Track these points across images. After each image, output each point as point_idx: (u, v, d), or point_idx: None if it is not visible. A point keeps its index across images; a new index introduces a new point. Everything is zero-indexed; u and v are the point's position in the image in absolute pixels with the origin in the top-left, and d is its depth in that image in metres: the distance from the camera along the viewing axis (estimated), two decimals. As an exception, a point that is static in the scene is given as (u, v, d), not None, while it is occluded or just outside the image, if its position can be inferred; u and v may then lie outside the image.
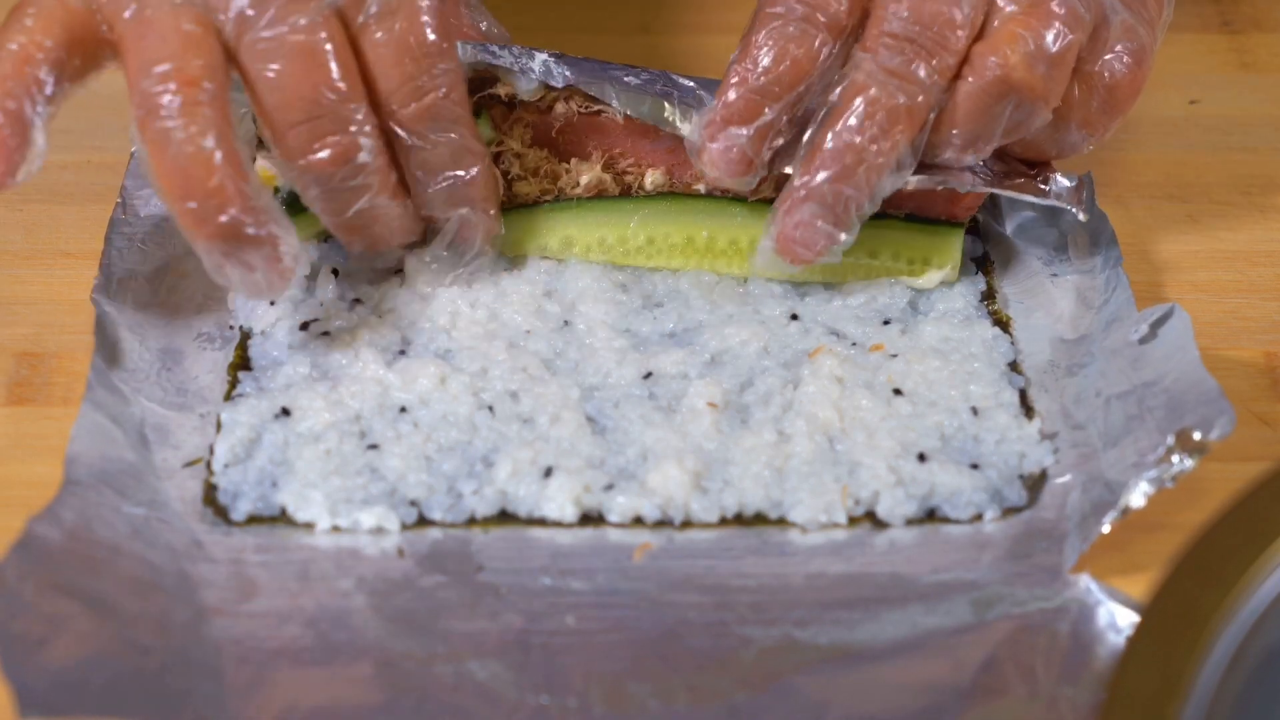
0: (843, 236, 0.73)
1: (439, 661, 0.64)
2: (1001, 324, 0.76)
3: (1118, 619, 0.65)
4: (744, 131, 0.73)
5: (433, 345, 0.75)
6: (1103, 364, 0.73)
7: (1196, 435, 0.66)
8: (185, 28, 0.69)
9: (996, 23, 0.73)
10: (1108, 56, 0.74)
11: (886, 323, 0.76)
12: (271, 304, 0.76)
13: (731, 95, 0.72)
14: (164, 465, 0.70)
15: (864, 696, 0.63)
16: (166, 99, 0.68)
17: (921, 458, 0.71)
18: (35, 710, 0.60)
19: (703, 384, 0.73)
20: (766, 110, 0.72)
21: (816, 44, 0.72)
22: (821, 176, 0.72)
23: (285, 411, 0.72)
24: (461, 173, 0.74)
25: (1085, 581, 0.66)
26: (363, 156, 0.71)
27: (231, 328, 0.76)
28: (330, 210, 0.73)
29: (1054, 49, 0.72)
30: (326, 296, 0.76)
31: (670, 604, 0.66)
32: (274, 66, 0.70)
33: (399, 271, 0.77)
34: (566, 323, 0.76)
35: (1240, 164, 0.85)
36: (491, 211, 0.75)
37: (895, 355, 0.74)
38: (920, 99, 0.72)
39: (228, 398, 0.73)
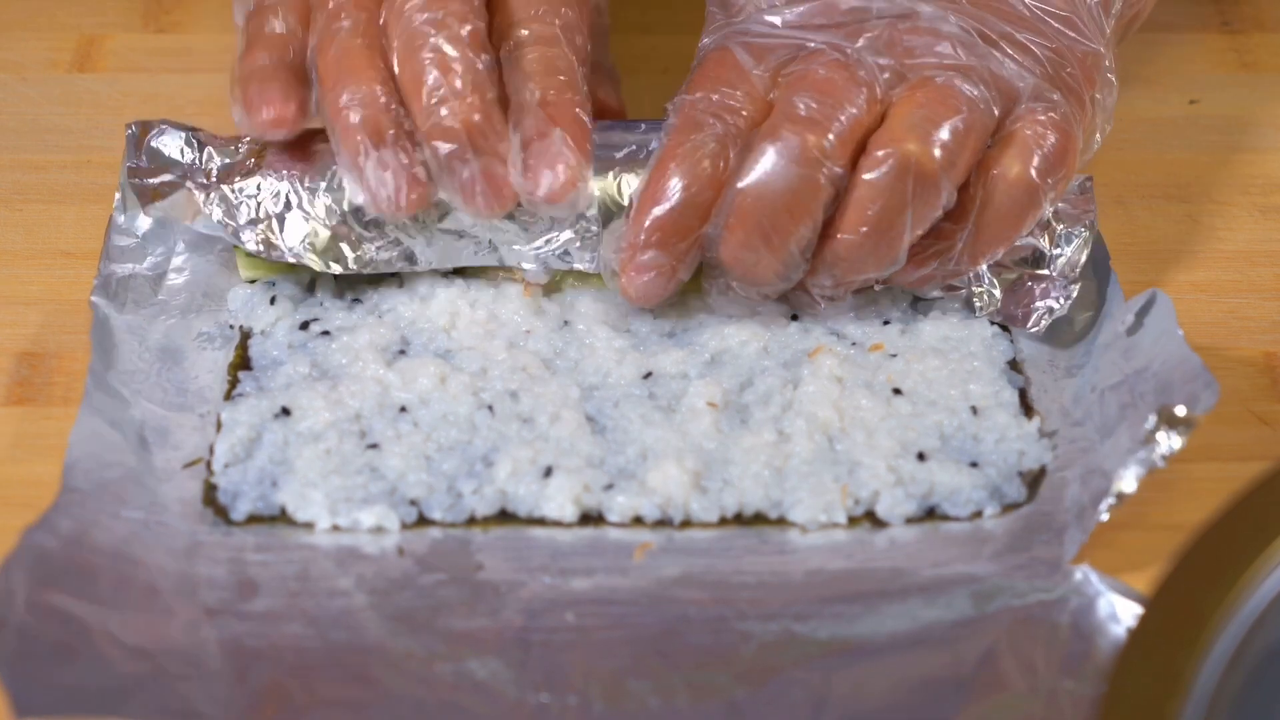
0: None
1: (439, 660, 0.64)
2: (1001, 324, 0.76)
3: (1118, 610, 0.65)
4: (663, 258, 0.72)
5: (432, 345, 0.75)
6: (1097, 359, 0.73)
7: (1179, 410, 0.66)
8: None
9: (893, 107, 0.72)
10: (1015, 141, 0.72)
11: (886, 323, 0.76)
12: (272, 302, 0.76)
13: (646, 223, 0.72)
14: (164, 467, 0.70)
15: (864, 690, 0.63)
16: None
17: (921, 457, 0.71)
18: (31, 713, 0.60)
19: (702, 384, 0.73)
20: (682, 240, 0.72)
21: (728, 158, 0.72)
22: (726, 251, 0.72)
23: (285, 411, 0.72)
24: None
25: (1085, 573, 0.66)
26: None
27: (231, 327, 0.76)
28: (410, 56, 0.72)
29: (949, 127, 0.71)
30: (326, 296, 0.76)
31: (669, 601, 0.66)
32: None
33: (395, 274, 0.77)
34: (566, 322, 0.76)
35: (1240, 164, 0.85)
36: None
37: (895, 355, 0.74)
38: (820, 173, 0.71)
39: (228, 397, 0.73)
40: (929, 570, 0.67)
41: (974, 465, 0.71)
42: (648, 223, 0.72)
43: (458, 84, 0.72)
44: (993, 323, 0.76)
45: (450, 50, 0.72)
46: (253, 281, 0.77)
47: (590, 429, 0.72)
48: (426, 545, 0.68)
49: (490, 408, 0.72)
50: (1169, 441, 0.66)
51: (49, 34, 0.92)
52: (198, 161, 0.76)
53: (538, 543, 0.68)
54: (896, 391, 0.73)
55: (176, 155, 0.76)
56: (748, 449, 0.71)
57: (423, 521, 0.69)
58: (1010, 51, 0.73)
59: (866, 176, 0.71)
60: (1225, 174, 0.84)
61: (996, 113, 0.72)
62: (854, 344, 0.75)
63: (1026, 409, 0.73)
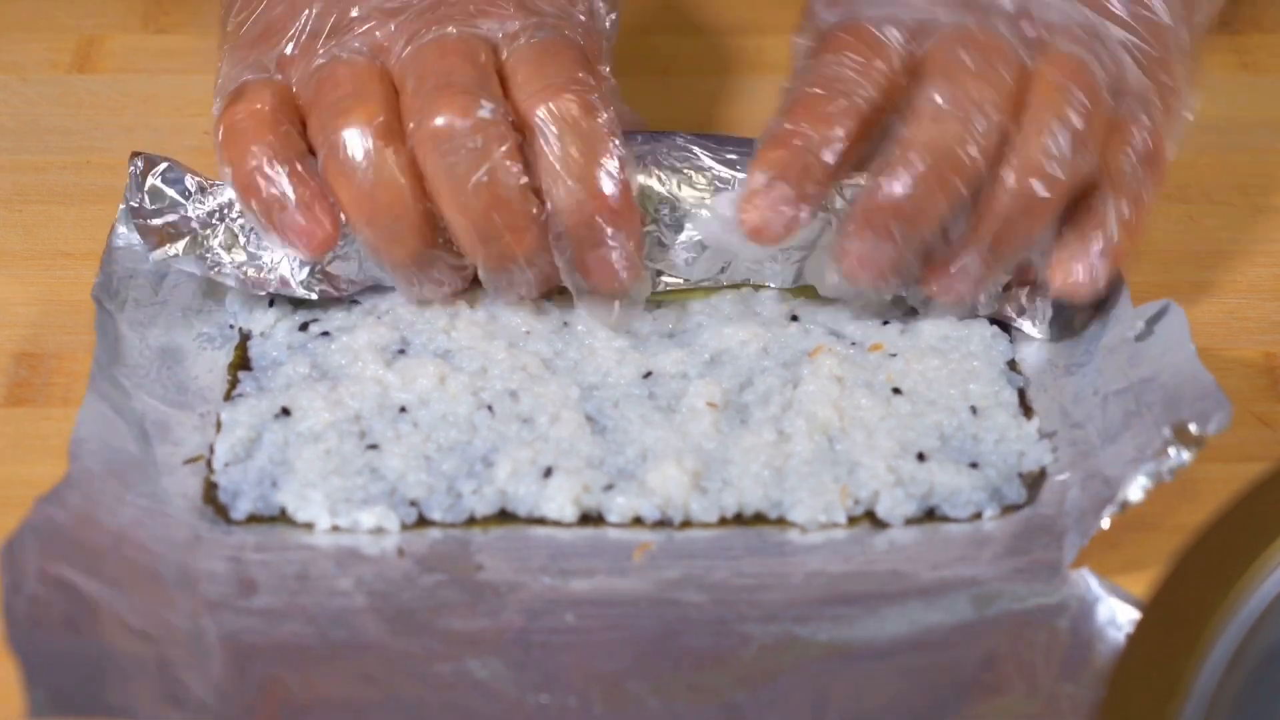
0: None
1: (438, 660, 0.64)
2: (1000, 323, 0.76)
3: (1118, 615, 0.65)
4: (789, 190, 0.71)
5: (432, 345, 0.75)
6: (1100, 363, 0.73)
7: (1193, 428, 0.66)
8: (359, 70, 0.73)
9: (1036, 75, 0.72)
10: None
11: (886, 323, 0.76)
12: (271, 304, 0.76)
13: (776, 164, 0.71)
14: (165, 461, 0.70)
15: (864, 693, 0.63)
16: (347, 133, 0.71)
17: (921, 457, 0.71)
18: (41, 692, 0.60)
19: (702, 383, 0.73)
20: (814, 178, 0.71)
21: (865, 96, 0.71)
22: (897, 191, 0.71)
23: (285, 411, 0.72)
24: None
25: (1085, 577, 0.66)
26: (482, 113, 0.71)
27: (231, 327, 0.76)
28: (449, 186, 0.71)
29: (1090, 99, 0.71)
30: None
31: (669, 602, 0.66)
32: (417, 62, 0.72)
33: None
34: (565, 324, 0.76)
35: (1240, 164, 0.85)
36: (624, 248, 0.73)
37: (894, 355, 0.74)
38: (993, 122, 0.71)
39: (228, 397, 0.73)
40: (929, 573, 0.67)
41: (974, 466, 0.71)
42: (777, 158, 0.71)
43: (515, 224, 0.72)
44: (993, 321, 0.76)
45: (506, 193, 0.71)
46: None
47: (590, 429, 0.72)
48: (426, 546, 0.68)
49: (490, 408, 0.72)
50: (1178, 456, 0.66)
51: (49, 35, 0.92)
52: (193, 208, 0.76)
53: (538, 543, 0.68)
54: (896, 391, 0.73)
55: (178, 196, 0.76)
56: (747, 449, 0.71)
57: (422, 522, 0.69)
58: (1124, 52, 0.74)
59: (1028, 129, 0.71)
60: (1225, 174, 0.85)
61: (1110, 100, 0.73)
62: (854, 344, 0.75)
63: (1026, 409, 0.73)
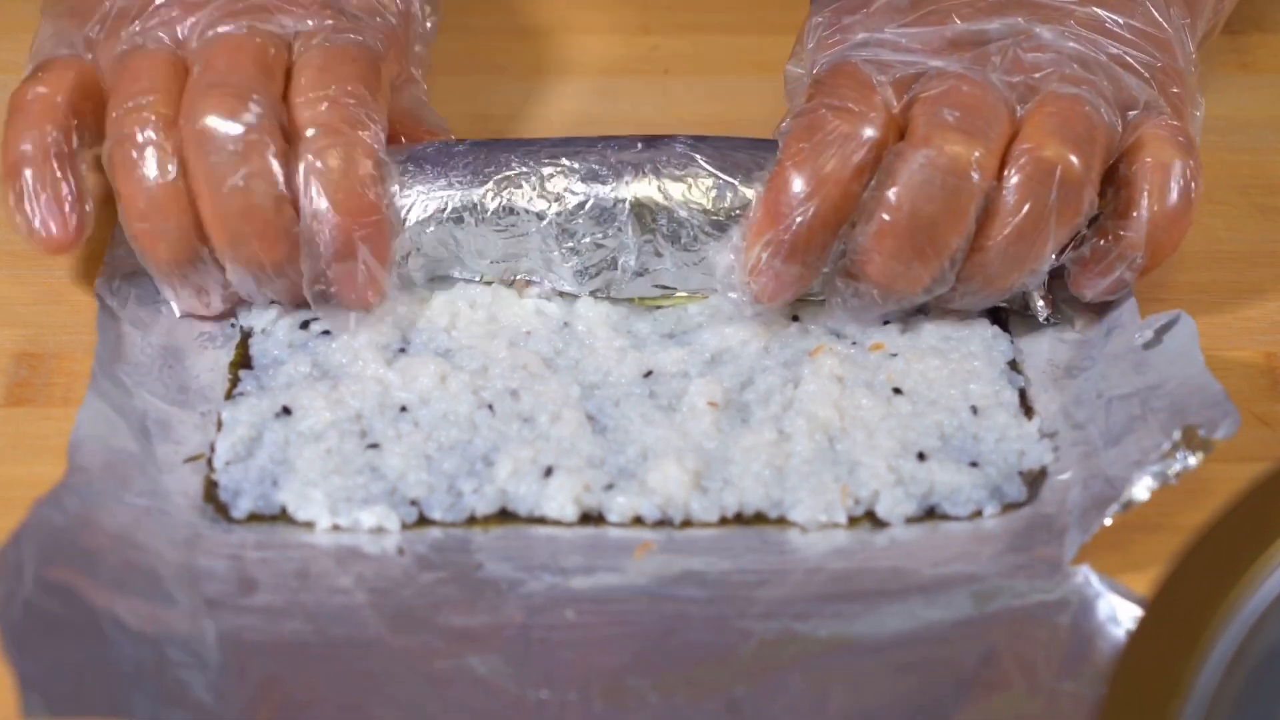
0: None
1: (438, 657, 0.64)
2: (1001, 323, 0.76)
3: (1118, 612, 0.65)
4: (793, 267, 0.72)
5: (433, 344, 0.75)
6: (1104, 367, 0.73)
7: (1202, 432, 0.66)
8: (157, 63, 0.73)
9: (1026, 121, 0.72)
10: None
11: (886, 322, 0.76)
12: (272, 302, 0.76)
13: (772, 236, 0.71)
14: (165, 459, 0.70)
15: (863, 689, 0.63)
16: (135, 129, 0.72)
17: (921, 456, 0.71)
18: (37, 696, 0.60)
19: (703, 383, 0.73)
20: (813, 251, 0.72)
21: (856, 159, 0.71)
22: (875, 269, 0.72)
23: (286, 410, 0.72)
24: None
25: (1085, 574, 0.66)
26: (248, 116, 0.71)
27: (233, 325, 0.76)
28: (207, 186, 0.71)
29: (1083, 135, 0.72)
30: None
31: (669, 598, 0.66)
32: (204, 57, 0.73)
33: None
34: (566, 324, 0.76)
35: (1240, 164, 0.85)
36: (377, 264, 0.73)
37: (895, 354, 0.74)
38: (972, 184, 0.71)
39: (228, 396, 0.73)
40: (929, 570, 0.67)
41: (974, 465, 0.71)
42: (774, 236, 0.71)
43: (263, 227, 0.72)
44: (993, 321, 0.76)
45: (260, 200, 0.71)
46: None
47: (591, 428, 0.72)
48: (427, 545, 0.68)
49: (490, 407, 0.72)
50: (1184, 460, 0.66)
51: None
52: None
53: (538, 542, 0.68)
54: (897, 391, 0.73)
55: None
56: (748, 448, 0.71)
57: (423, 521, 0.69)
58: (1123, 70, 0.74)
59: (1012, 183, 0.71)
60: (1225, 174, 0.84)
61: (1119, 127, 0.73)
62: (854, 343, 0.75)
63: (1026, 409, 0.73)
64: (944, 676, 0.63)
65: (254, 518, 0.69)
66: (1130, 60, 0.74)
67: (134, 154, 0.72)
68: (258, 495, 0.69)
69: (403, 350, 0.74)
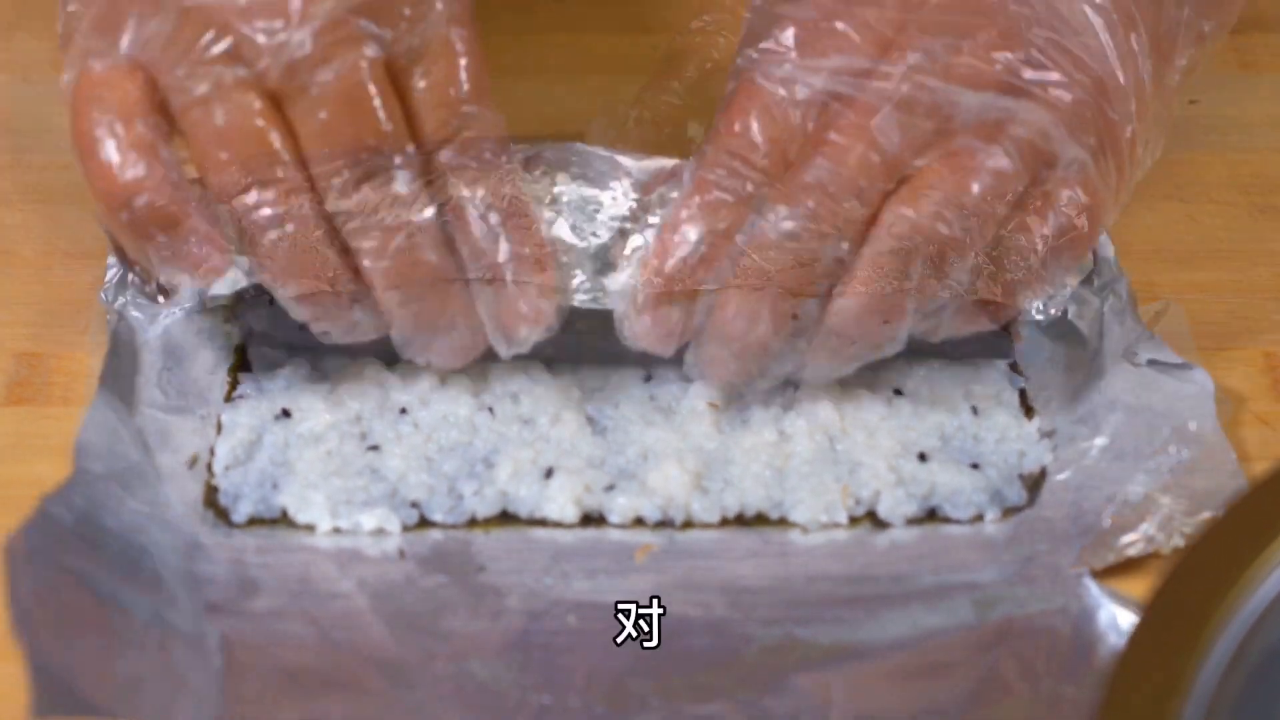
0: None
1: (440, 661, 0.64)
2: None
3: (1119, 619, 0.65)
4: (675, 312, 0.70)
5: (433, 346, 0.75)
6: (1110, 367, 0.73)
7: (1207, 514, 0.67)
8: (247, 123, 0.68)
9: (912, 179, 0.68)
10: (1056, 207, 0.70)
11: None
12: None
13: (656, 277, 0.69)
14: (166, 467, 0.70)
15: (865, 696, 0.63)
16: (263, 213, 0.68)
17: (922, 457, 0.71)
18: (45, 686, 0.60)
19: (702, 384, 0.73)
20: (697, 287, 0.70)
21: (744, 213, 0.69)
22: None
23: (285, 413, 0.72)
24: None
25: (1086, 582, 0.66)
26: (398, 187, 0.68)
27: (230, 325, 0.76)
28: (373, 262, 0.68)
29: (972, 196, 0.68)
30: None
31: (671, 603, 0.66)
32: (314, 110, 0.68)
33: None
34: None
35: (1240, 164, 0.85)
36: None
37: (895, 354, 0.74)
38: (822, 252, 0.68)
39: (228, 399, 0.73)
40: (930, 576, 0.67)
41: (975, 466, 0.71)
42: (654, 277, 0.69)
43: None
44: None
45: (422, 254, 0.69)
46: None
47: (591, 430, 0.72)
48: (428, 547, 0.68)
49: (490, 409, 0.72)
50: (1184, 528, 0.67)
51: (49, 34, 0.91)
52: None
53: (539, 544, 0.68)
54: (897, 392, 0.73)
55: None
56: (748, 449, 0.71)
57: (424, 523, 0.69)
58: (1050, 91, 0.69)
59: (870, 248, 0.68)
60: (1225, 174, 0.84)
61: (1024, 179, 0.69)
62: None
63: (1027, 409, 0.73)
64: (945, 683, 0.63)
65: (254, 521, 0.69)
66: (1061, 99, 0.69)
67: (271, 235, 0.68)
68: (258, 499, 0.69)
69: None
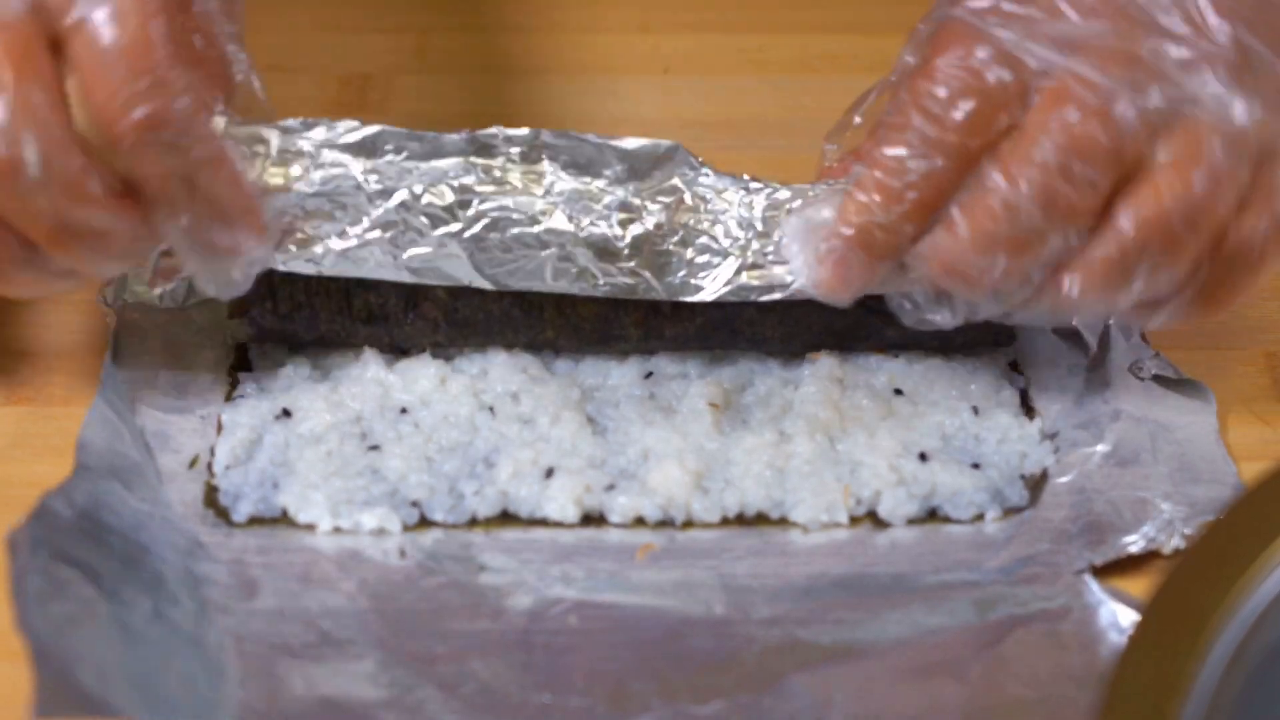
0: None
1: (441, 661, 0.64)
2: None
3: (1119, 619, 0.65)
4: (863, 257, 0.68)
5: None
6: (1112, 373, 0.73)
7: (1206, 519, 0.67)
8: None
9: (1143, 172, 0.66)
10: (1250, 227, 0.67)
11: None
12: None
13: (852, 226, 0.67)
14: (166, 468, 0.70)
15: (866, 696, 0.63)
16: None
17: (923, 457, 0.71)
18: (49, 675, 0.60)
19: (703, 384, 0.73)
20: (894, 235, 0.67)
21: (945, 175, 0.66)
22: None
23: (286, 413, 0.72)
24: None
25: (1087, 581, 0.66)
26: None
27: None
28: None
29: (1202, 195, 0.65)
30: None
31: (672, 603, 0.66)
32: None
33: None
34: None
35: (1240, 164, 0.85)
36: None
37: (896, 355, 0.74)
38: (1062, 229, 0.66)
39: (228, 399, 0.73)
40: (931, 576, 0.67)
41: (975, 466, 0.71)
42: (856, 226, 0.68)
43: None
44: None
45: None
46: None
47: (591, 430, 0.72)
48: (428, 547, 0.68)
49: (491, 409, 0.72)
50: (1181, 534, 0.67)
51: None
52: None
53: (540, 544, 0.68)
54: (898, 392, 0.73)
55: None
56: (749, 449, 0.71)
57: (424, 523, 0.69)
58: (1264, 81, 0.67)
59: (1098, 250, 0.66)
60: (1225, 174, 0.84)
61: (1247, 175, 0.66)
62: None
63: (1028, 410, 0.73)
64: (946, 683, 0.63)
65: (255, 521, 0.69)
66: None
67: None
68: (258, 498, 0.69)
69: (404, 352, 0.74)
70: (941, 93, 0.66)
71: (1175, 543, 0.67)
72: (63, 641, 0.61)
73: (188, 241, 0.67)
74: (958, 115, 0.66)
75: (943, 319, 0.69)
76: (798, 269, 0.70)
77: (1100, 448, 0.71)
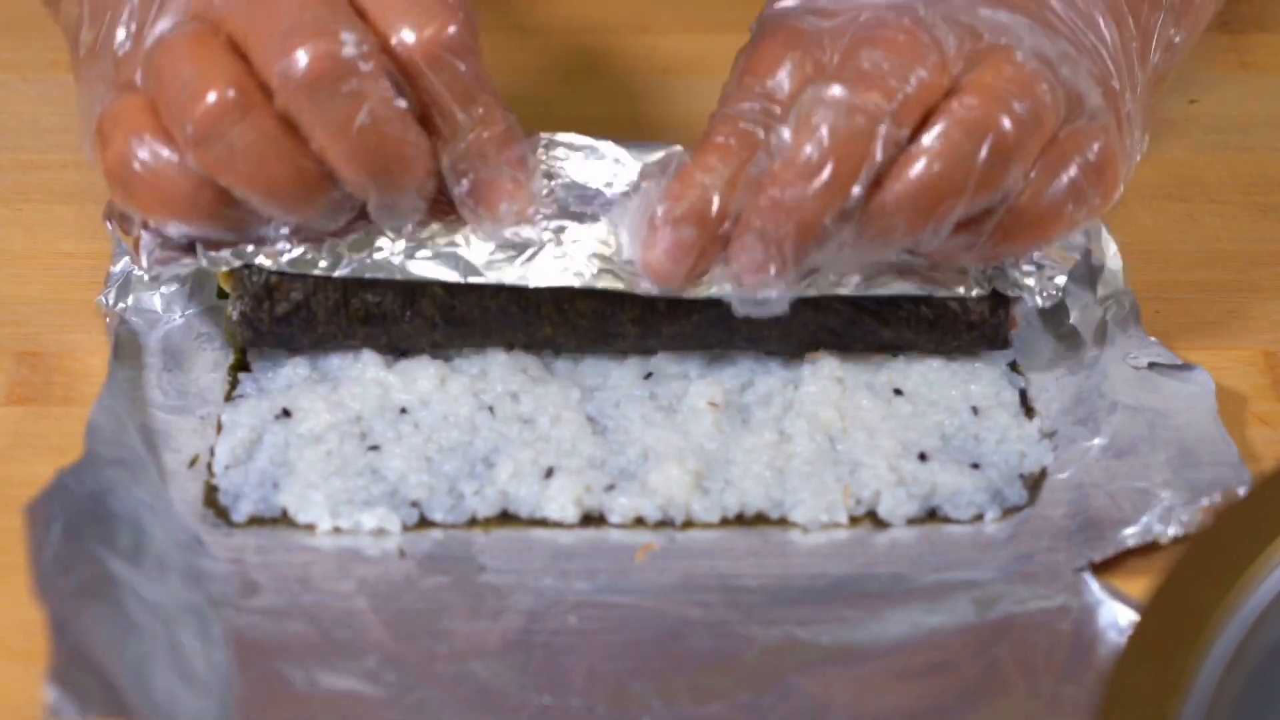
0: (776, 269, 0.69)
1: (441, 661, 0.64)
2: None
3: (1119, 618, 0.65)
4: (692, 231, 0.69)
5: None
6: (1110, 369, 0.73)
7: (1205, 501, 0.67)
8: (189, 45, 0.68)
9: (971, 75, 0.68)
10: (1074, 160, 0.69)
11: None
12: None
13: (679, 203, 0.69)
14: (167, 467, 0.70)
15: (866, 695, 0.63)
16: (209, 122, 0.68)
17: (922, 457, 0.71)
18: (65, 646, 0.60)
19: (703, 384, 0.73)
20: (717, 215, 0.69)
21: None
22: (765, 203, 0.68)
23: (286, 413, 0.72)
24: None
25: (1087, 580, 0.66)
26: (347, 50, 0.66)
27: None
28: (332, 135, 0.67)
29: (1028, 107, 0.67)
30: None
31: (672, 604, 0.66)
32: (250, 11, 0.68)
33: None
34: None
35: (1240, 164, 0.85)
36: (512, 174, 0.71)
37: (896, 355, 0.74)
38: (879, 128, 0.67)
39: (228, 399, 0.73)
40: (931, 576, 0.67)
41: (975, 466, 0.71)
42: (680, 202, 0.69)
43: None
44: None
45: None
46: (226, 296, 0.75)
47: (591, 430, 0.72)
48: (428, 547, 0.68)
49: (491, 409, 0.72)
50: (1182, 522, 0.67)
51: (49, 34, 0.91)
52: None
53: (539, 544, 0.68)
54: (897, 392, 0.73)
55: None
56: (749, 449, 0.71)
57: (424, 523, 0.69)
58: (1082, 72, 0.70)
59: (935, 130, 0.67)
60: (1225, 174, 0.85)
61: (1061, 115, 0.69)
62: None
63: (1027, 409, 0.73)
64: (946, 683, 0.63)
65: (254, 521, 0.69)
66: (1094, 73, 0.71)
67: (222, 145, 0.67)
68: (258, 498, 0.69)
69: (403, 353, 0.74)
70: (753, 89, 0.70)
71: (1174, 531, 0.67)
72: (78, 612, 0.62)
73: (453, 176, 0.70)
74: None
75: (772, 291, 0.69)
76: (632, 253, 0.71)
77: (1097, 441, 0.71)
